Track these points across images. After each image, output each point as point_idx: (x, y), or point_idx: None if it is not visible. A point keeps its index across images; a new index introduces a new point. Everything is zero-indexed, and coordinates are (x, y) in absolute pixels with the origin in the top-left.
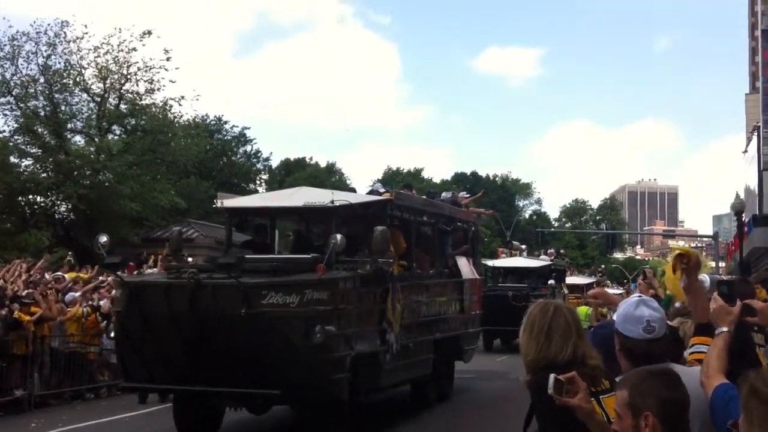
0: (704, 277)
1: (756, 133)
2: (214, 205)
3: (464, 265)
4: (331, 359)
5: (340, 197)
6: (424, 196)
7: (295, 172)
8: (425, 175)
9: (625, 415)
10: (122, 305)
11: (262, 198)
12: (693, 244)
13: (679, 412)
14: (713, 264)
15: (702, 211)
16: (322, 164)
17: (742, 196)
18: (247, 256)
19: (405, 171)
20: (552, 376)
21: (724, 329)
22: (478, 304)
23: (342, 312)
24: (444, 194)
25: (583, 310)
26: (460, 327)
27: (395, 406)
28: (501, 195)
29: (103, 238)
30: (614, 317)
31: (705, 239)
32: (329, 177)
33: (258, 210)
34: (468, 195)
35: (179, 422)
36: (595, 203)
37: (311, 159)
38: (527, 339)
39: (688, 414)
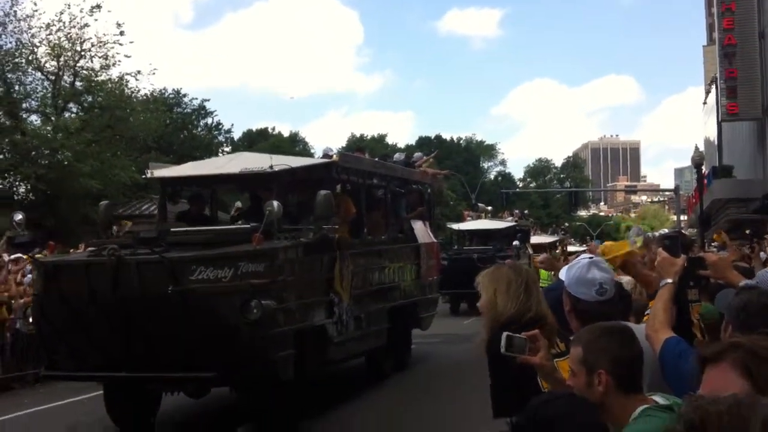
0: (633, 233)
1: (714, 85)
2: (143, 176)
3: (420, 229)
4: (271, 336)
5: (280, 161)
6: (377, 159)
7: (257, 143)
8: (389, 140)
9: (579, 372)
10: (39, 288)
11: (197, 166)
12: (655, 199)
13: (632, 368)
14: (675, 218)
15: (664, 164)
16: (285, 134)
17: (702, 148)
18: (175, 229)
19: (369, 137)
20: (505, 334)
21: (669, 281)
22: (435, 269)
23: (282, 284)
24: (397, 155)
25: (544, 271)
26: (417, 293)
27: (348, 380)
28: (465, 157)
29: (18, 216)
30: (562, 277)
31: (667, 193)
32: (293, 146)
33: (192, 179)
34: (424, 156)
35: (111, 411)
36: (558, 162)
37: (273, 129)
38: (504, 296)
39: (641, 370)
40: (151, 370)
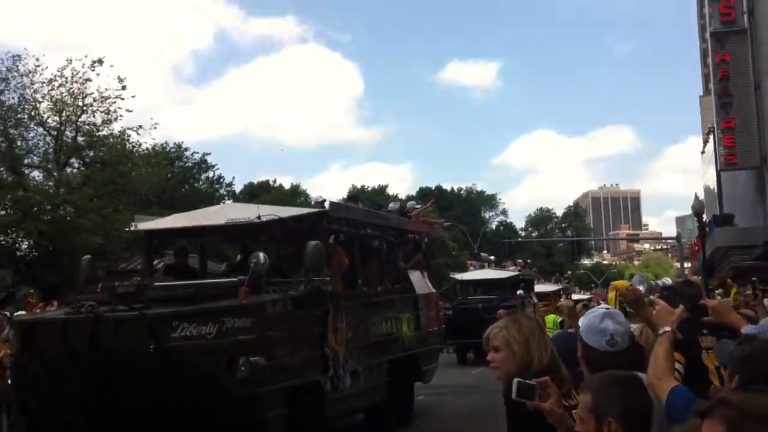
0: (636, 280)
1: (711, 135)
2: (127, 229)
3: (418, 279)
4: (260, 395)
5: (268, 212)
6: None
7: (259, 196)
8: (390, 191)
9: (588, 420)
10: (16, 348)
11: (183, 218)
12: (658, 247)
13: (641, 418)
14: (678, 265)
15: (666, 213)
16: (287, 186)
17: (702, 196)
18: (157, 283)
19: (369, 189)
20: (515, 380)
21: (667, 329)
22: (436, 319)
23: (271, 340)
24: (391, 205)
25: (550, 318)
26: (417, 345)
27: None
28: (466, 208)
29: None
30: (579, 324)
31: (669, 241)
32: (294, 199)
33: (177, 231)
34: (418, 206)
35: None
36: (559, 211)
37: (275, 182)
38: (536, 345)
39: (651, 420)
40: None
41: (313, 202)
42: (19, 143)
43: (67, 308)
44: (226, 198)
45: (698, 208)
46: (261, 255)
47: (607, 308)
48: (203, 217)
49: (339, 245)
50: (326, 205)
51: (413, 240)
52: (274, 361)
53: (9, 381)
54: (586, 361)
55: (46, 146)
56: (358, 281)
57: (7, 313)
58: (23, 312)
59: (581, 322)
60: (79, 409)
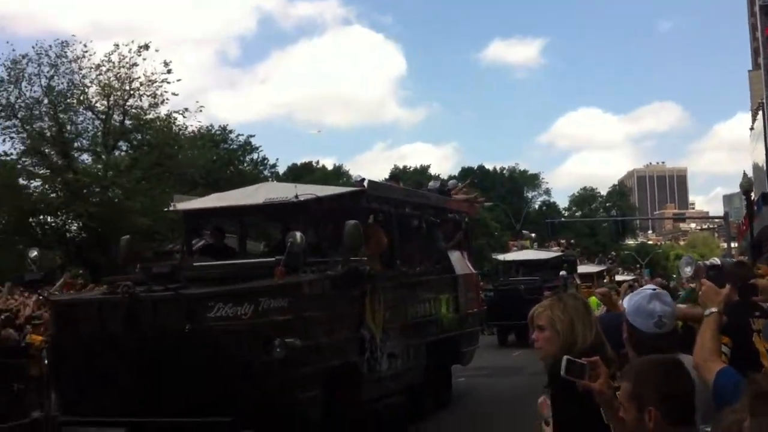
0: (683, 263)
1: (761, 110)
2: (166, 209)
3: (457, 260)
4: (296, 376)
5: (306, 191)
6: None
7: (302, 177)
8: (432, 171)
9: (629, 408)
10: (53, 328)
11: (221, 198)
12: (704, 226)
13: (683, 403)
14: (725, 245)
15: (713, 191)
16: (330, 167)
17: (750, 174)
18: (195, 263)
19: (411, 169)
20: (565, 358)
21: (714, 310)
22: (476, 301)
23: (308, 320)
24: (431, 183)
25: (593, 300)
26: (456, 327)
27: (385, 420)
28: (509, 187)
29: (33, 252)
30: (624, 305)
31: (716, 220)
32: (337, 179)
33: (215, 211)
34: (459, 184)
35: None
36: (604, 190)
37: (318, 163)
38: (581, 327)
39: (693, 404)
40: (168, 415)
41: (353, 181)
42: (68, 127)
43: (104, 288)
44: (271, 179)
45: (746, 186)
46: (297, 234)
47: (654, 289)
48: (241, 197)
49: (378, 225)
50: (365, 184)
51: (453, 219)
52: (310, 343)
53: (46, 362)
54: (632, 343)
55: (95, 130)
56: (396, 261)
57: (45, 293)
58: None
59: (626, 303)
60: (115, 390)
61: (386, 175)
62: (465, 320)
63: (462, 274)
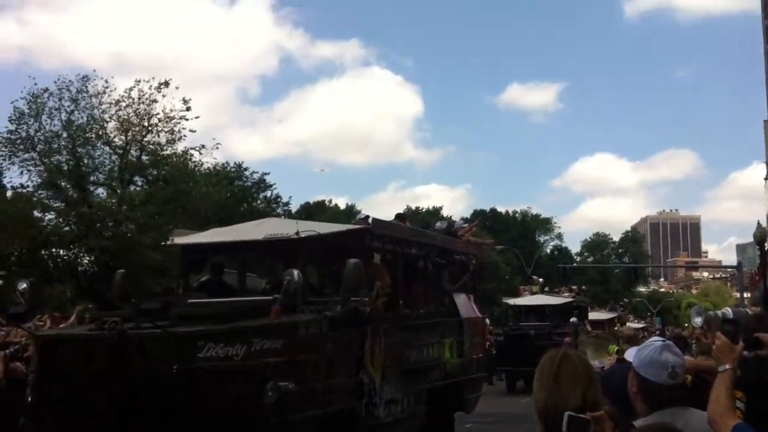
0: (694, 312)
1: None
2: (163, 243)
3: (463, 303)
4: (289, 422)
5: (308, 228)
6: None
7: (315, 215)
8: (445, 212)
9: None
10: (36, 364)
11: (220, 233)
12: (717, 275)
13: None
14: (737, 295)
15: (727, 240)
16: (342, 206)
17: (765, 224)
18: (191, 300)
19: (424, 210)
20: (567, 414)
21: (728, 367)
22: (481, 346)
23: (303, 363)
24: (438, 224)
25: (613, 347)
26: (460, 373)
27: None
28: (521, 231)
29: (23, 285)
30: (631, 359)
31: (729, 270)
32: (350, 219)
33: (214, 246)
34: (465, 225)
35: None
36: (616, 236)
37: (330, 202)
38: (537, 386)
39: None
40: None
41: (356, 219)
42: (85, 161)
43: (91, 324)
44: (282, 217)
45: (760, 236)
46: (295, 272)
47: (663, 340)
48: (241, 233)
49: (381, 265)
50: (369, 222)
51: (460, 261)
52: (305, 386)
53: (29, 399)
54: (644, 395)
55: (112, 164)
56: (399, 303)
57: (31, 326)
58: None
59: (633, 356)
60: (98, 429)
61: None
62: (469, 365)
63: (467, 318)
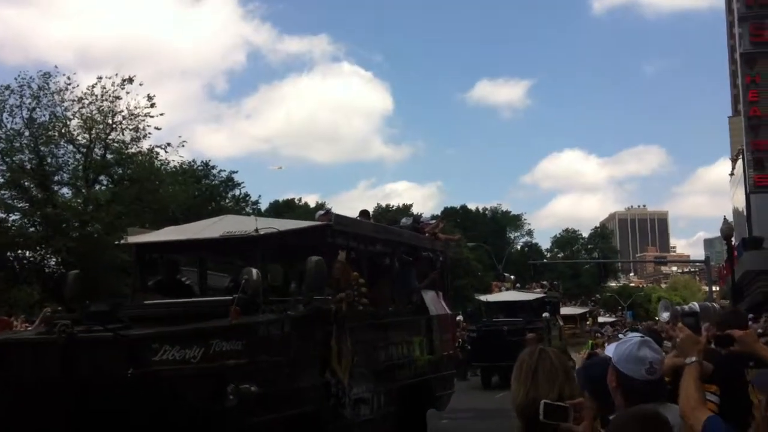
0: (661, 307)
1: (740, 156)
2: (116, 242)
3: (432, 300)
4: (251, 426)
5: (267, 225)
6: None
7: (284, 214)
8: (415, 210)
9: None
10: None
11: (177, 231)
12: (686, 270)
13: None
14: (706, 288)
15: (695, 235)
16: (312, 204)
17: (731, 219)
18: (147, 301)
19: (394, 208)
20: (543, 402)
21: (694, 359)
22: (451, 342)
23: (265, 365)
24: (404, 220)
25: (590, 342)
26: (430, 371)
27: None
28: (492, 228)
29: None
30: (610, 354)
31: (698, 264)
32: None
33: (170, 244)
34: (432, 221)
35: None
36: (586, 232)
37: (300, 200)
38: (515, 383)
39: None
40: None
41: (316, 216)
42: (49, 160)
43: (41, 328)
44: (252, 216)
45: (727, 231)
46: (253, 271)
47: (642, 336)
48: (198, 230)
49: (346, 262)
50: (331, 218)
51: (428, 258)
52: (268, 389)
53: None
54: (622, 392)
55: (76, 163)
56: (365, 301)
57: None
58: None
59: (612, 351)
60: None
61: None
62: (440, 363)
63: (437, 315)
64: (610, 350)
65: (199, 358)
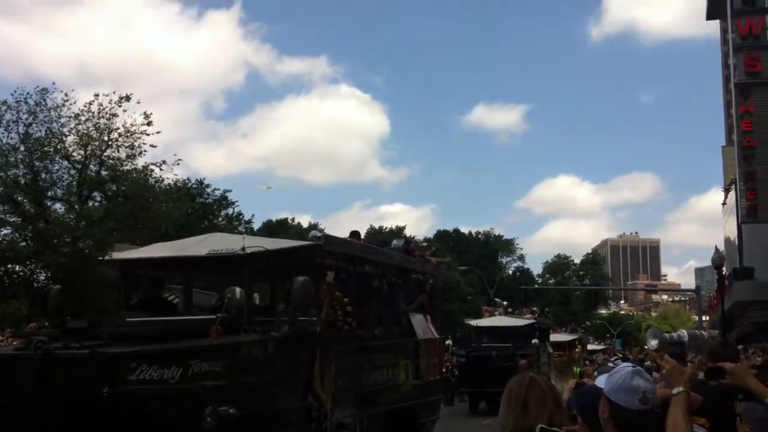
0: (649, 335)
1: (733, 186)
2: (101, 258)
3: (420, 323)
4: None
5: (254, 243)
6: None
7: (277, 234)
8: (408, 232)
9: None
10: None
11: (163, 248)
12: (676, 298)
13: None
14: (696, 318)
15: (687, 263)
16: (305, 224)
17: (722, 248)
18: (129, 319)
19: (387, 230)
20: (539, 427)
21: (681, 389)
22: (438, 368)
23: (246, 386)
24: (395, 242)
25: (576, 370)
26: (416, 396)
27: None
28: (484, 252)
29: None
30: (601, 385)
31: (688, 293)
32: None
33: (155, 261)
34: (424, 243)
35: None
36: (578, 258)
37: (293, 220)
38: (505, 411)
39: None
40: None
41: (309, 237)
42: (43, 175)
43: (17, 343)
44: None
45: (718, 261)
46: (237, 290)
47: (633, 366)
48: (184, 248)
49: (333, 283)
50: (320, 238)
51: (417, 280)
52: (248, 411)
53: None
54: (615, 421)
55: (70, 179)
56: (351, 323)
57: None
58: None
59: (604, 382)
60: None
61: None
62: (426, 388)
63: (424, 339)
64: (600, 381)
65: (178, 379)
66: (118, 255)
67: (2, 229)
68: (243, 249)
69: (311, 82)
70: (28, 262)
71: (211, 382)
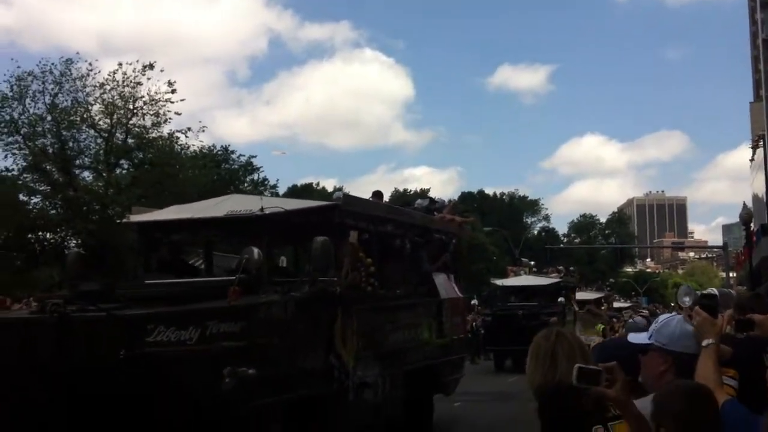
0: (682, 292)
1: (761, 142)
2: (118, 220)
3: (443, 283)
4: (250, 410)
5: (274, 204)
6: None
7: (302, 198)
8: (433, 194)
9: (651, 427)
10: None
11: (180, 210)
12: (703, 256)
13: (697, 430)
14: (723, 274)
15: (714, 221)
16: (330, 189)
17: (750, 204)
18: (148, 281)
19: (412, 192)
20: (577, 366)
21: (711, 341)
22: (462, 326)
23: (265, 347)
24: (419, 201)
25: (599, 326)
26: (439, 355)
27: None
28: (509, 213)
29: None
30: (641, 341)
31: (715, 250)
32: None
33: (172, 224)
34: (448, 202)
35: None
36: (603, 218)
37: (318, 184)
38: (533, 366)
39: None
40: None
41: (333, 198)
42: (70, 144)
43: (34, 307)
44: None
45: (746, 217)
46: (255, 250)
47: (672, 314)
48: (203, 209)
49: (355, 243)
50: (340, 198)
51: (440, 240)
52: (267, 372)
53: None
54: (678, 370)
55: (97, 148)
56: (374, 283)
57: None
58: None
59: (652, 337)
60: (38, 424)
61: (386, 198)
62: (449, 347)
63: (447, 298)
64: (638, 338)
65: (195, 340)
66: (135, 218)
67: (32, 197)
68: (261, 210)
69: (334, 48)
70: (58, 230)
71: (229, 343)
